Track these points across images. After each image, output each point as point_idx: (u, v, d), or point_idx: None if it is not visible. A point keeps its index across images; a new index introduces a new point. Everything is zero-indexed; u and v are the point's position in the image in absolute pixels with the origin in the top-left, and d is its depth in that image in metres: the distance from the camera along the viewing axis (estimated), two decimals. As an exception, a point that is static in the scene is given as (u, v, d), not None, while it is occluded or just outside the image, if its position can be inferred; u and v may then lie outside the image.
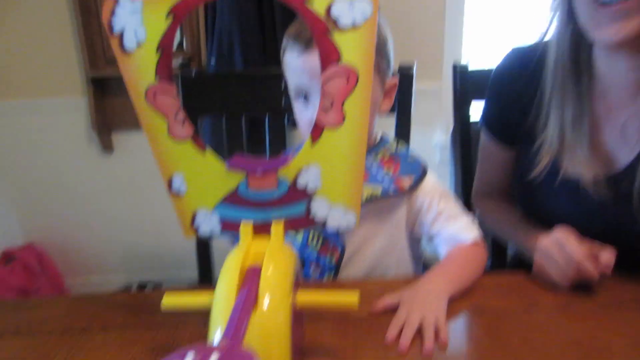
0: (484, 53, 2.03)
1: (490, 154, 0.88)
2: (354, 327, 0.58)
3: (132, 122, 1.95)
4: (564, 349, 0.54)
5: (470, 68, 1.06)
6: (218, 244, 1.00)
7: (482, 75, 1.07)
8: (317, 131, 0.45)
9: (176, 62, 1.83)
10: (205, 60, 1.84)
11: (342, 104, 0.44)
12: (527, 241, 0.75)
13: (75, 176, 2.06)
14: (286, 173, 0.46)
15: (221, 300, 0.39)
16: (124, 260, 2.18)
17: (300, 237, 0.75)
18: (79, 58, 1.89)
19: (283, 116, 0.98)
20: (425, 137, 1.99)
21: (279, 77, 0.93)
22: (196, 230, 0.49)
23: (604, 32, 0.61)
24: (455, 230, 0.73)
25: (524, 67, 0.78)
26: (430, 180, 0.76)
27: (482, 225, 0.80)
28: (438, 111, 1.97)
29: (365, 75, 0.43)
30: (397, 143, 0.79)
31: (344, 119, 0.44)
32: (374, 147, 0.76)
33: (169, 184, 0.47)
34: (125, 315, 0.62)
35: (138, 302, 0.67)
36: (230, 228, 0.48)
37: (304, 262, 0.75)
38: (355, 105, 0.44)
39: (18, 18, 1.87)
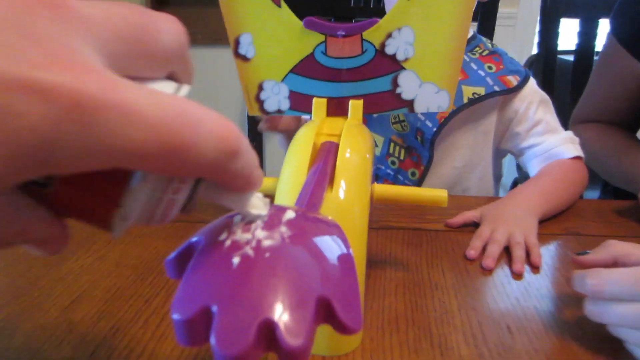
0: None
1: (616, 72, 0.73)
2: (428, 240, 0.52)
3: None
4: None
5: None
6: (270, 158, 0.95)
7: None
8: (415, -18, 0.36)
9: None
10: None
11: (452, -55, 0.35)
12: None
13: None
14: (373, 36, 0.38)
15: (291, 173, 0.33)
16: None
17: (378, 150, 0.67)
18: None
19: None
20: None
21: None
22: (261, 105, 0.42)
23: None
24: (552, 143, 0.63)
25: None
26: (530, 84, 0.65)
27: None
28: (511, 41, 1.79)
29: None
30: (491, 42, 0.69)
31: (452, -35, 0.35)
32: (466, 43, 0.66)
33: (235, 45, 0.40)
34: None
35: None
36: (299, 105, 0.41)
37: (376, 179, 0.68)
38: (469, -53, 0.34)
39: None
